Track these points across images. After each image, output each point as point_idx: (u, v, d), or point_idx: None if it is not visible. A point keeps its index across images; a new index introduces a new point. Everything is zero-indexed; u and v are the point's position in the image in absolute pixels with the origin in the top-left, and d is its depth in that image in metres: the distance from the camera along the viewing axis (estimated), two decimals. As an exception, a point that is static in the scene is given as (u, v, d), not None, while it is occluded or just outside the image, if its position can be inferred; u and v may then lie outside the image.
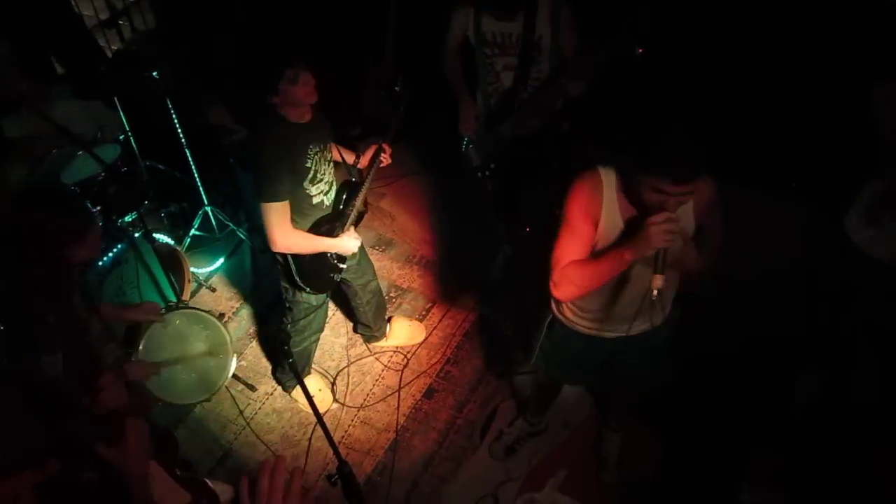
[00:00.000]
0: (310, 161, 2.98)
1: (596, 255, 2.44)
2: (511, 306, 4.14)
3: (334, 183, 3.23)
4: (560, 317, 2.82)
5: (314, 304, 3.45)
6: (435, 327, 4.26)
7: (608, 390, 3.57)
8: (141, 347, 3.20)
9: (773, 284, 3.84)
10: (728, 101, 4.27)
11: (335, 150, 3.28)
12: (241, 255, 4.68)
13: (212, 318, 3.40)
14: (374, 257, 4.59)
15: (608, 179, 2.39)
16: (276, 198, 2.88)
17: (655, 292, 2.23)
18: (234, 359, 3.30)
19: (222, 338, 3.46)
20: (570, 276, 2.41)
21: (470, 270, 4.51)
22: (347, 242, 3.19)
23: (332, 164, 3.19)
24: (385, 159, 3.33)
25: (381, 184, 5.11)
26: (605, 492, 3.47)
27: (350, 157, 3.37)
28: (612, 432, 3.56)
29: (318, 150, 3.02)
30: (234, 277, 4.58)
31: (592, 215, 2.40)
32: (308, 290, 3.30)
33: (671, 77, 4.35)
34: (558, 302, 2.78)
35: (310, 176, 3.00)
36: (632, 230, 2.34)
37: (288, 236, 2.98)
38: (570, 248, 2.43)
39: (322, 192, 3.12)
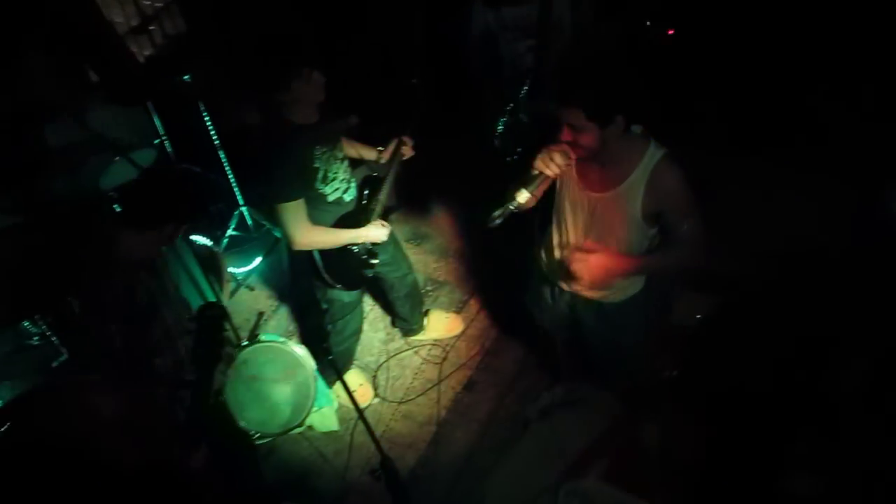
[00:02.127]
0: (318, 162, 2.99)
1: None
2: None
3: (352, 180, 3.24)
4: (539, 262, 3.05)
5: (346, 300, 3.46)
6: (473, 319, 4.25)
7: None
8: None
9: (820, 266, 3.78)
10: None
11: (351, 148, 3.29)
12: (277, 253, 4.71)
13: (288, 348, 3.38)
14: (410, 251, 4.57)
15: None
16: (287, 198, 2.89)
17: (512, 206, 2.44)
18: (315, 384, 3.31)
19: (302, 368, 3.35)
20: None
21: (506, 260, 4.48)
22: (373, 231, 3.19)
23: (345, 162, 3.20)
24: (407, 151, 3.32)
25: (415, 178, 5.10)
26: (649, 481, 3.43)
27: (371, 153, 3.37)
28: (649, 422, 3.53)
29: (325, 150, 3.02)
30: (272, 276, 4.62)
31: None
32: (338, 286, 3.31)
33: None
34: (539, 250, 3.00)
35: (320, 176, 3.01)
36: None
37: (305, 233, 2.99)
38: None
39: (339, 191, 3.14)
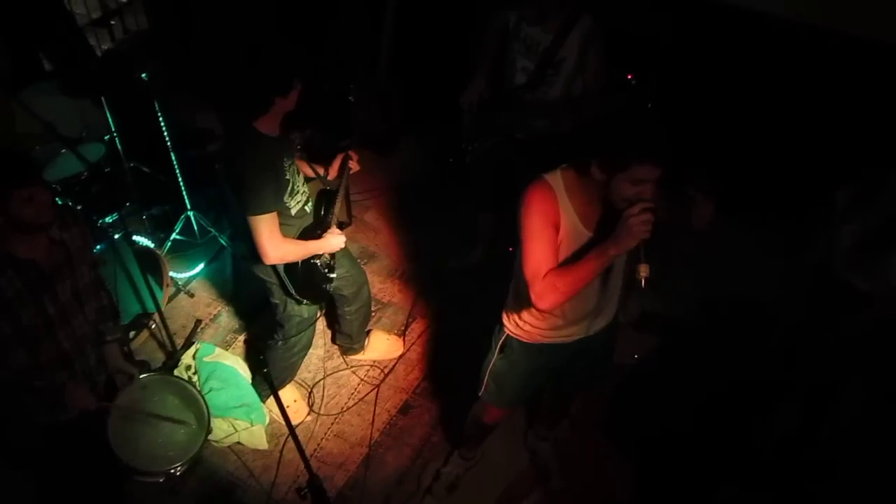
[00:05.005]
0: (287, 174, 3.00)
1: (567, 260, 2.46)
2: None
3: (308, 193, 3.25)
4: (519, 333, 2.79)
5: (306, 316, 3.45)
6: (414, 343, 4.24)
7: (544, 399, 3.53)
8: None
9: (757, 315, 3.89)
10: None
11: (303, 163, 3.31)
12: (221, 261, 4.64)
13: (191, 388, 3.16)
14: (356, 270, 4.56)
15: (556, 184, 2.42)
16: (264, 209, 2.87)
17: (643, 282, 2.26)
18: (208, 434, 2.92)
19: (199, 410, 2.98)
20: (555, 285, 2.38)
21: (452, 286, 4.49)
22: (332, 240, 3.18)
23: (302, 176, 3.21)
24: (353, 165, 3.34)
25: (366, 196, 5.10)
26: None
27: (320, 168, 3.38)
28: (542, 441, 3.58)
29: (290, 162, 3.04)
30: (214, 283, 4.54)
31: (553, 221, 2.41)
32: (305, 301, 3.30)
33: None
34: (520, 319, 2.76)
35: (289, 188, 3.02)
36: (602, 228, 2.40)
37: (279, 246, 2.97)
38: (545, 258, 2.41)
39: (300, 203, 3.14)
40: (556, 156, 2.53)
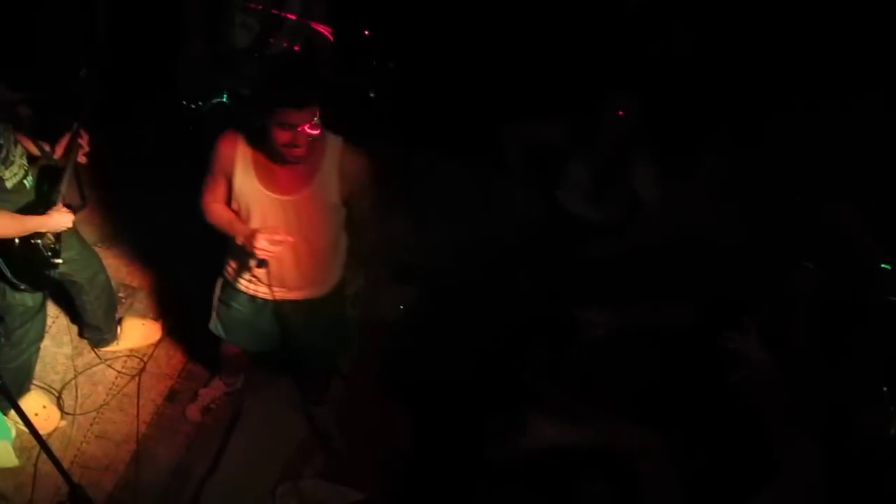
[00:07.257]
0: (1, 138, 2.71)
1: (238, 211, 2.72)
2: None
3: (30, 169, 2.96)
4: (227, 276, 2.99)
5: (30, 304, 3.14)
6: (173, 325, 4.00)
7: (293, 363, 3.63)
8: None
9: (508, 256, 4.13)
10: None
11: (26, 142, 3.00)
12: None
13: None
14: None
15: (242, 136, 2.62)
16: None
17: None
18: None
19: None
20: (209, 213, 2.77)
21: (201, 257, 4.27)
22: (57, 218, 2.91)
23: (20, 148, 2.92)
24: (84, 145, 3.04)
25: (99, 174, 4.66)
26: (364, 471, 3.51)
27: (45, 147, 3.05)
28: (317, 406, 3.66)
29: (3, 128, 2.76)
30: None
31: (224, 168, 2.65)
32: (23, 286, 2.99)
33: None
34: (226, 262, 2.96)
35: (2, 155, 2.74)
36: (280, 188, 2.64)
37: None
38: (208, 189, 2.76)
39: (16, 176, 2.85)
40: None
